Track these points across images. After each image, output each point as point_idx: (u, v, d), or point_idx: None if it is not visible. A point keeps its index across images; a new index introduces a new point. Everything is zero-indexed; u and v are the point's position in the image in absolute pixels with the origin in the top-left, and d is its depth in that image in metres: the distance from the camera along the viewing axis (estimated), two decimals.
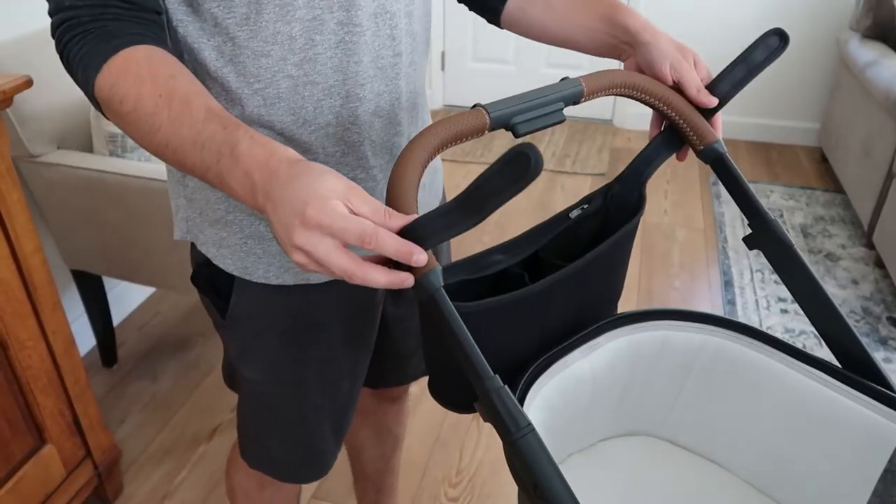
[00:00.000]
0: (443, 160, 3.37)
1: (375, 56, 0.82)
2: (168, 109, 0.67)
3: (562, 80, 0.78)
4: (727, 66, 0.86)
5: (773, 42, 0.84)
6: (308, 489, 1.76)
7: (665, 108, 0.86)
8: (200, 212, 0.91)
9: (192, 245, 0.96)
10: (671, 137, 0.89)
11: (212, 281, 0.95)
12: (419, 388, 2.00)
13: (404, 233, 0.63)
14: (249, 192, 0.64)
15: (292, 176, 0.62)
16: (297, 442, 1.05)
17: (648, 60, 0.88)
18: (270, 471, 1.09)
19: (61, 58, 0.72)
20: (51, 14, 0.72)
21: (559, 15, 0.96)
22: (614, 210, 0.91)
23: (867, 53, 2.84)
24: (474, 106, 0.72)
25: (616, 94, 0.83)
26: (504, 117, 0.73)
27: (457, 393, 0.82)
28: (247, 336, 0.96)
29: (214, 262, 0.92)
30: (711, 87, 0.87)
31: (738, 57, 0.85)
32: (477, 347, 0.65)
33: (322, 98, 0.81)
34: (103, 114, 0.73)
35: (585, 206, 0.90)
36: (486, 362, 0.65)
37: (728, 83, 0.86)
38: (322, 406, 1.02)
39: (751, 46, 0.84)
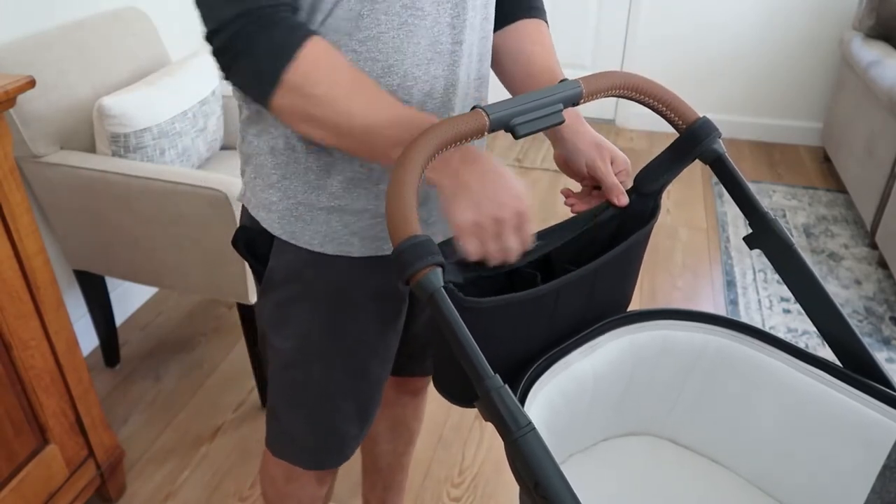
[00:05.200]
0: None
1: (433, 41, 0.85)
2: (364, 93, 0.79)
3: (561, 81, 0.78)
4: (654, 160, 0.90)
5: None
6: None
7: (664, 108, 0.86)
8: (255, 175, 0.95)
9: (243, 208, 1.01)
10: (682, 147, 0.88)
11: (250, 244, 0.99)
12: None
13: None
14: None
15: (494, 165, 0.78)
16: (320, 421, 1.06)
17: (566, 157, 0.95)
18: (289, 455, 1.11)
19: (238, 48, 0.77)
20: (221, 11, 0.76)
21: (517, 84, 1.02)
22: (629, 218, 0.91)
23: (870, 53, 2.84)
24: (473, 107, 0.73)
25: (615, 96, 0.83)
26: (503, 119, 0.73)
27: (460, 386, 0.82)
28: (281, 302, 0.99)
29: (263, 224, 0.96)
30: (642, 176, 0.91)
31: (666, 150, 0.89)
32: (477, 347, 0.65)
33: (381, 75, 0.84)
34: (264, 102, 0.80)
35: (600, 216, 0.91)
36: (486, 362, 0.65)
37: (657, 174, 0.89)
38: (349, 386, 1.03)
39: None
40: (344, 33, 0.81)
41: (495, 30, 1.02)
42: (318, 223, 0.93)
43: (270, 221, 0.95)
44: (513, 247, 0.77)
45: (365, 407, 1.07)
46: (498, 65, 1.03)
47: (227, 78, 0.80)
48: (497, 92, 1.04)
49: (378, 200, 0.92)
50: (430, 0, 0.83)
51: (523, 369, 0.82)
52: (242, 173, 0.99)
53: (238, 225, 1.02)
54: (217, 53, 0.79)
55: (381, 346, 1.03)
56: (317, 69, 0.77)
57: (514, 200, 0.76)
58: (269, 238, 0.96)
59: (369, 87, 0.79)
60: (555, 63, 1.00)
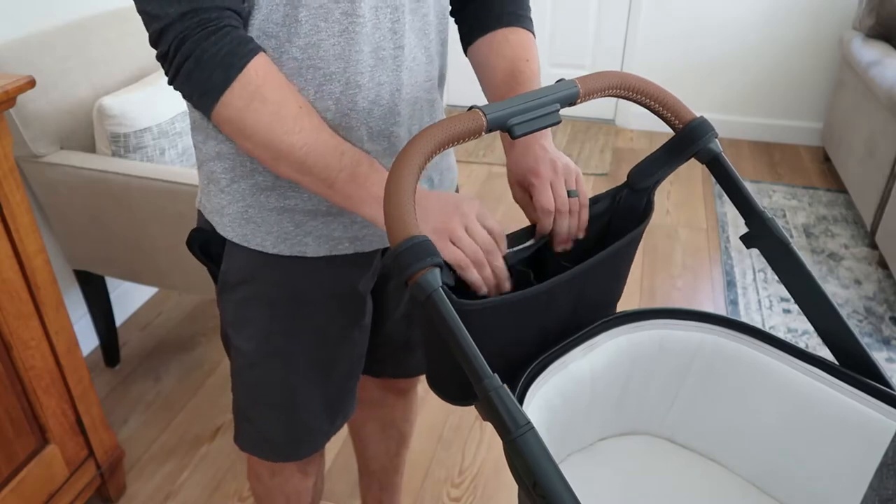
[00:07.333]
0: None
1: (376, 47, 0.84)
2: (309, 118, 0.80)
3: (558, 81, 0.79)
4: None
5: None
6: None
7: (661, 108, 0.86)
8: (208, 180, 0.95)
9: (199, 213, 1.01)
10: (678, 145, 0.88)
11: (205, 246, 0.99)
12: (422, 389, 2.00)
13: None
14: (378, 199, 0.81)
15: (433, 192, 0.82)
16: (286, 417, 1.06)
17: (513, 167, 0.93)
18: (259, 449, 1.11)
19: (185, 53, 0.75)
20: (165, 9, 0.74)
21: (488, 89, 1.00)
22: (621, 213, 0.92)
23: (870, 53, 2.84)
24: (471, 108, 0.73)
25: (612, 96, 0.83)
26: (500, 119, 0.73)
27: (454, 384, 0.82)
28: (237, 303, 0.99)
29: (217, 229, 0.96)
30: (635, 172, 0.89)
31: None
32: (476, 347, 0.66)
33: (323, 83, 0.84)
34: (207, 110, 0.79)
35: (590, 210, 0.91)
36: (484, 362, 0.65)
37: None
38: (312, 380, 1.04)
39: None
40: (283, 39, 0.81)
41: (470, 42, 1.01)
42: (270, 224, 0.92)
43: (223, 225, 0.95)
44: (486, 239, 0.79)
45: (333, 402, 1.08)
46: (479, 79, 1.03)
47: (172, 83, 0.79)
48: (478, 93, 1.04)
49: (329, 202, 0.91)
50: (369, 6, 0.82)
51: (518, 369, 0.82)
52: (199, 179, 1.00)
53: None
54: (162, 58, 0.77)
55: (345, 342, 1.03)
56: (269, 84, 0.77)
57: (466, 200, 0.80)
58: (223, 239, 0.96)
59: (317, 114, 0.81)
60: (520, 73, 0.96)
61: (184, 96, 0.80)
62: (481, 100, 2.94)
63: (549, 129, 0.91)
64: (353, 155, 0.81)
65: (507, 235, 0.85)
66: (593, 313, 0.91)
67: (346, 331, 1.03)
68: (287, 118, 0.78)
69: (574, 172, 0.90)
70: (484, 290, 0.79)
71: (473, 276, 0.78)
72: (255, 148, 0.80)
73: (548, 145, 0.92)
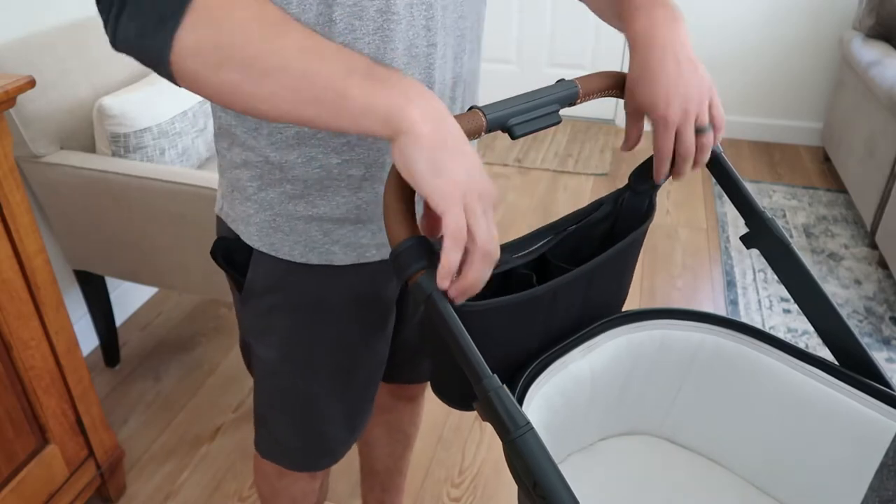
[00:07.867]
0: None
1: (409, 45, 0.82)
2: (297, 22, 0.67)
3: (558, 81, 0.79)
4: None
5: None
6: None
7: None
8: (232, 188, 0.93)
9: (219, 220, 0.99)
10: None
11: (229, 255, 0.97)
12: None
13: None
14: (411, 98, 0.65)
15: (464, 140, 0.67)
16: (307, 426, 1.06)
17: (634, 80, 0.82)
18: (279, 458, 1.11)
19: None
20: None
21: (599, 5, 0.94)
22: (624, 215, 0.92)
23: (870, 53, 2.84)
24: (471, 108, 0.73)
25: (612, 96, 0.83)
26: (500, 119, 0.73)
27: (459, 390, 0.82)
28: (261, 311, 0.98)
29: (243, 238, 0.94)
30: (636, 174, 0.87)
31: None
32: (475, 348, 0.66)
33: None
34: (165, 50, 0.66)
35: (594, 213, 0.91)
36: (484, 362, 0.65)
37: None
38: (334, 389, 1.03)
39: None
40: None
41: None
42: (298, 233, 0.91)
43: (249, 234, 0.93)
44: (492, 229, 0.66)
45: (353, 412, 1.07)
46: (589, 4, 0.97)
47: (114, 41, 0.68)
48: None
49: (359, 210, 0.90)
50: (403, 3, 0.79)
51: (521, 370, 0.82)
52: (218, 185, 0.97)
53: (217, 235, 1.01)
54: (100, 3, 0.67)
55: (368, 352, 1.02)
56: None
57: (487, 180, 0.67)
58: (248, 248, 0.95)
59: (292, 19, 0.68)
60: None
61: (132, 45, 0.67)
62: (482, 100, 2.94)
63: (678, 18, 0.79)
64: (360, 55, 0.67)
65: (509, 243, 0.84)
66: (599, 315, 0.91)
67: (368, 338, 1.02)
68: (271, 23, 0.65)
69: (710, 98, 0.77)
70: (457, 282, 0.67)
71: (456, 260, 0.65)
72: (233, 71, 0.66)
73: (681, 53, 0.76)
